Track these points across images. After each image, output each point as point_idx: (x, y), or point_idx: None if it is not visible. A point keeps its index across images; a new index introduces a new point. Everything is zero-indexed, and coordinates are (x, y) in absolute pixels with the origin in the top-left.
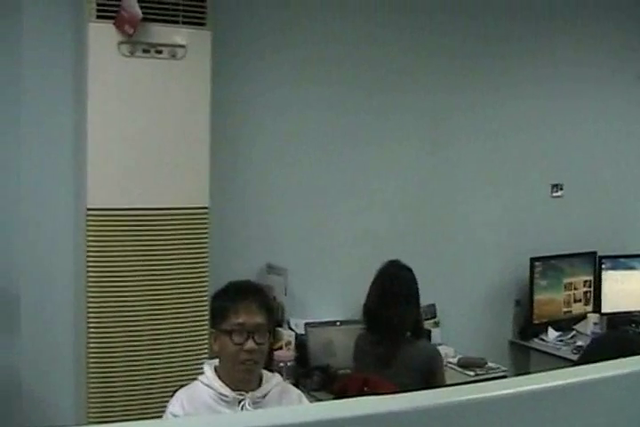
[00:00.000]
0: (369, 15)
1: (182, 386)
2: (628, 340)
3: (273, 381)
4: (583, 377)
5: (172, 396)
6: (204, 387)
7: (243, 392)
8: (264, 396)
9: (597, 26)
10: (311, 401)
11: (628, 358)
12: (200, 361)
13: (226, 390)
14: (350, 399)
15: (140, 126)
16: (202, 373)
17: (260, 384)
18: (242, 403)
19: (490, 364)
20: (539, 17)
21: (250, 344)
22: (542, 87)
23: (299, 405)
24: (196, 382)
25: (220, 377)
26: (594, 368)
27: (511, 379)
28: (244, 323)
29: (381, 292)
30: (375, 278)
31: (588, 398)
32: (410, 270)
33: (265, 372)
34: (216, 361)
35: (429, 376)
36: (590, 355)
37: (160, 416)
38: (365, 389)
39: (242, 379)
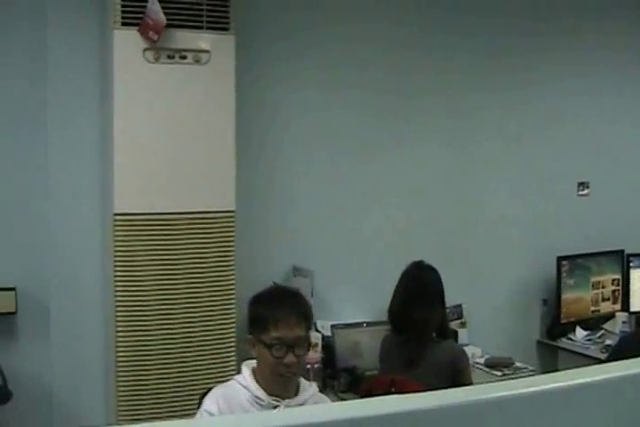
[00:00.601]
0: (391, 17)
1: (217, 384)
2: None
3: (310, 391)
4: (609, 375)
5: (203, 396)
6: (241, 388)
7: (278, 398)
8: (300, 405)
9: (621, 22)
10: None
11: None
12: (228, 364)
13: (262, 394)
14: (377, 398)
15: (166, 131)
16: (230, 374)
17: (296, 393)
18: (277, 409)
19: (517, 364)
20: (561, 14)
21: (289, 358)
22: (566, 84)
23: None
24: (232, 381)
25: (257, 380)
26: (619, 366)
27: (537, 377)
28: (285, 337)
29: (406, 293)
30: (400, 280)
31: (614, 396)
32: (435, 271)
33: (302, 380)
34: (254, 362)
35: (456, 376)
36: (618, 353)
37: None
38: (393, 389)
39: (279, 388)
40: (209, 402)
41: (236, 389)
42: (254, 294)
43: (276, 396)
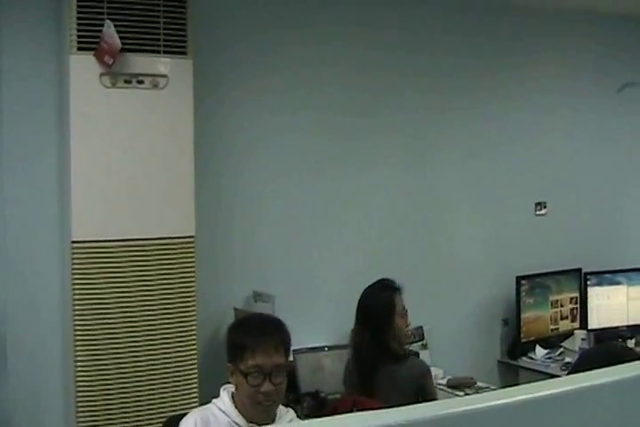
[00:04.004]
0: (349, 39)
1: (177, 410)
2: (616, 352)
3: (287, 417)
4: (574, 386)
5: (165, 423)
6: (220, 413)
7: (256, 425)
8: None
9: (578, 41)
10: None
11: (617, 366)
12: (191, 388)
13: (240, 421)
14: (344, 415)
15: (124, 157)
16: (193, 399)
17: (274, 419)
18: None
19: (479, 384)
20: (520, 34)
21: (266, 387)
22: (523, 105)
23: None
24: (210, 405)
25: (236, 406)
26: (584, 377)
27: (504, 390)
28: (261, 365)
29: (363, 317)
30: (359, 302)
31: (579, 407)
32: (394, 290)
33: (280, 407)
34: (232, 386)
35: (421, 391)
36: (580, 368)
37: None
38: (354, 409)
39: (259, 415)
40: (188, 424)
41: (215, 413)
42: (232, 322)
43: (255, 423)
